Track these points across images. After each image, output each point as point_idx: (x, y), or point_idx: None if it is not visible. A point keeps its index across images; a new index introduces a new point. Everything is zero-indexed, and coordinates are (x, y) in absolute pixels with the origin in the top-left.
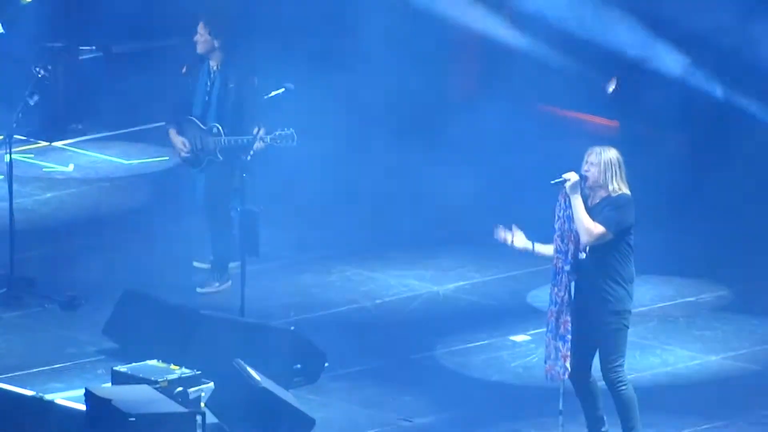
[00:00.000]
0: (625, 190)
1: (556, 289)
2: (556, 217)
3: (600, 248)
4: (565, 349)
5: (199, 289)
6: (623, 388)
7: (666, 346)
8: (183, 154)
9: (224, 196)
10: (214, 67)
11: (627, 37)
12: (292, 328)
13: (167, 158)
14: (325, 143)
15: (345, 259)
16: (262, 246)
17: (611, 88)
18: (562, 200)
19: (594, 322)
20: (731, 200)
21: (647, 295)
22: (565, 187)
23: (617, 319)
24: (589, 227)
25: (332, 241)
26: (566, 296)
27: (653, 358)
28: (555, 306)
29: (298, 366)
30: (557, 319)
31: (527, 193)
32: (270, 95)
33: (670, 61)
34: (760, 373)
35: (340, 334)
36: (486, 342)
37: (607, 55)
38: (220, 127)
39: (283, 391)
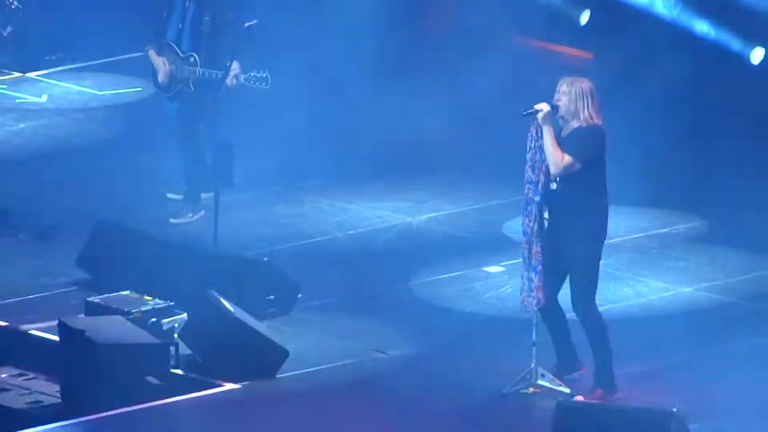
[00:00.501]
0: (597, 121)
1: (527, 219)
2: (528, 148)
3: (570, 180)
4: (537, 280)
5: (172, 220)
6: (593, 321)
7: (639, 278)
8: (160, 77)
9: (196, 124)
10: None
11: None
12: (266, 259)
13: (140, 89)
14: (300, 78)
15: (318, 190)
16: (235, 177)
17: (584, 19)
18: (534, 131)
19: (565, 253)
20: (706, 131)
21: (620, 226)
22: (536, 118)
23: (587, 251)
24: (557, 158)
25: (305, 173)
26: (536, 227)
27: (626, 289)
28: (526, 237)
29: (272, 297)
30: (529, 250)
31: (500, 124)
32: (246, 25)
33: None
34: (734, 305)
35: (313, 266)
36: (460, 273)
37: None
38: (197, 57)
39: (256, 322)
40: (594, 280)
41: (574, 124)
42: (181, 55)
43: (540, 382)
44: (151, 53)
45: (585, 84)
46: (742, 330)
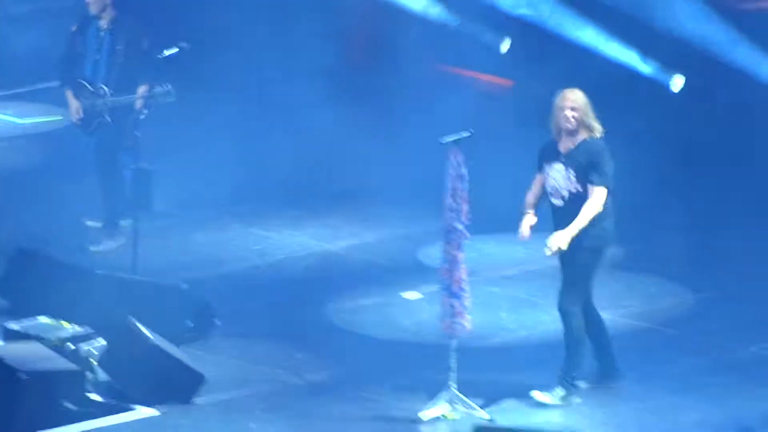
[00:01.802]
0: (598, 129)
1: (448, 246)
2: (448, 176)
3: (578, 195)
4: (459, 306)
5: (92, 248)
6: (572, 321)
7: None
8: (75, 119)
9: (114, 153)
10: (104, 26)
11: None
12: (185, 285)
13: (61, 118)
14: (221, 102)
15: (238, 217)
16: (154, 204)
17: (505, 48)
18: (453, 159)
19: (567, 255)
20: (623, 158)
21: (539, 253)
22: (455, 146)
23: (587, 255)
24: (595, 207)
25: (225, 200)
26: (459, 254)
27: (545, 315)
28: (447, 264)
29: (190, 324)
30: (451, 276)
31: (423, 151)
32: (165, 54)
33: (565, 22)
34: (651, 331)
35: (232, 292)
36: (378, 299)
37: (502, 15)
38: (105, 88)
39: (174, 349)
40: (586, 286)
41: (581, 136)
42: (92, 89)
43: (457, 407)
44: (69, 95)
45: (582, 94)
46: (657, 355)
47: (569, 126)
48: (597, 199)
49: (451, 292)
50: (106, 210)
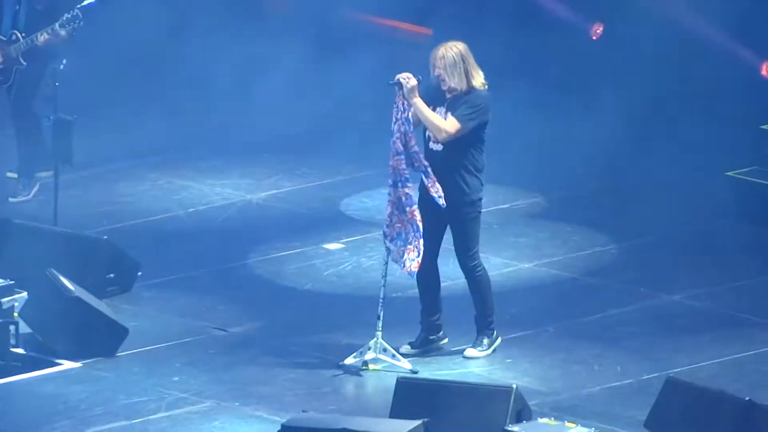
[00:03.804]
0: (478, 83)
1: (397, 190)
2: (393, 119)
3: (457, 142)
4: (422, 245)
5: (11, 199)
6: (480, 272)
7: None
8: None
9: (30, 103)
10: None
11: None
12: (105, 237)
13: None
14: (142, 48)
15: (158, 168)
16: (75, 155)
17: None
18: (400, 102)
19: (450, 212)
20: (545, 106)
21: None
22: (402, 91)
23: (473, 209)
24: (444, 126)
25: (144, 150)
26: (410, 193)
27: None
28: (410, 205)
29: (112, 275)
30: (407, 218)
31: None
32: (82, 4)
33: None
34: (574, 280)
35: (153, 244)
36: (299, 250)
37: None
38: (18, 33)
39: (96, 301)
40: (477, 235)
41: (457, 90)
42: (3, 38)
43: (381, 357)
44: None
45: (455, 50)
46: (581, 305)
47: (443, 84)
48: (449, 126)
49: (417, 230)
50: (21, 160)
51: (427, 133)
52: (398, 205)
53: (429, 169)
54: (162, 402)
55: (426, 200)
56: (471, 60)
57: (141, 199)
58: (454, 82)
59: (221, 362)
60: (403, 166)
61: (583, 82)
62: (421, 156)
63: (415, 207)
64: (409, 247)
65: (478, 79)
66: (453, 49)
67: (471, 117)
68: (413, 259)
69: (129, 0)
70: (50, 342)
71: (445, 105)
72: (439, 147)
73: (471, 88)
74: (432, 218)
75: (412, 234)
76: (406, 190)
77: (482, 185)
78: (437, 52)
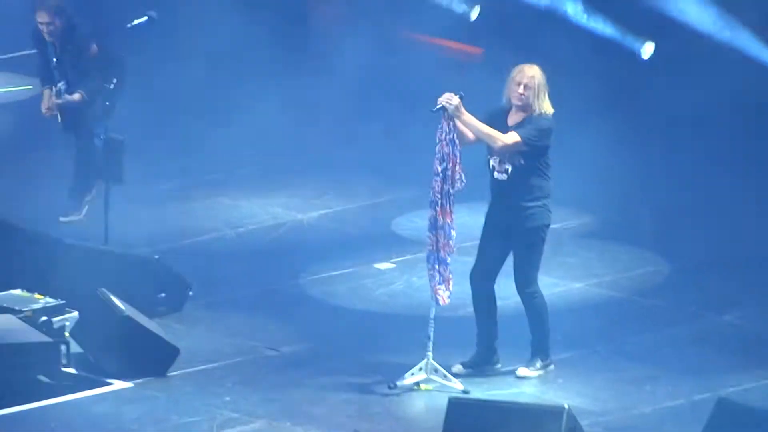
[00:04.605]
0: (549, 110)
1: (436, 212)
2: (437, 140)
3: (522, 169)
4: (448, 272)
5: (62, 219)
6: (537, 298)
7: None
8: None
9: (86, 124)
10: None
11: None
12: (156, 256)
13: (31, 87)
14: (192, 71)
15: (208, 187)
16: (125, 174)
17: (474, 15)
18: (445, 124)
19: (513, 238)
20: (595, 125)
21: None
22: (446, 112)
23: (538, 236)
24: (502, 137)
25: (195, 170)
26: (449, 219)
27: None
28: (433, 230)
29: (162, 295)
30: (436, 243)
31: (390, 121)
32: (132, 24)
33: None
34: (623, 300)
35: (204, 263)
36: (350, 270)
37: None
38: (61, 87)
39: (147, 320)
40: (538, 262)
41: (531, 112)
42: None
43: (433, 377)
44: (44, 93)
45: (540, 73)
46: (631, 325)
47: (518, 103)
48: (508, 137)
49: (438, 257)
50: (76, 179)
51: (491, 163)
52: (430, 226)
53: (442, 200)
54: (214, 422)
55: (492, 224)
56: (548, 88)
57: (191, 219)
58: (536, 104)
59: (272, 382)
60: (437, 187)
61: (637, 100)
62: (457, 178)
63: (449, 241)
64: (439, 287)
65: (548, 103)
66: (538, 70)
67: (534, 137)
68: (441, 294)
69: (188, 18)
70: (101, 362)
71: (507, 128)
72: (503, 177)
73: (542, 111)
74: (496, 241)
75: (440, 264)
76: (437, 211)
77: (550, 212)
78: (528, 70)
